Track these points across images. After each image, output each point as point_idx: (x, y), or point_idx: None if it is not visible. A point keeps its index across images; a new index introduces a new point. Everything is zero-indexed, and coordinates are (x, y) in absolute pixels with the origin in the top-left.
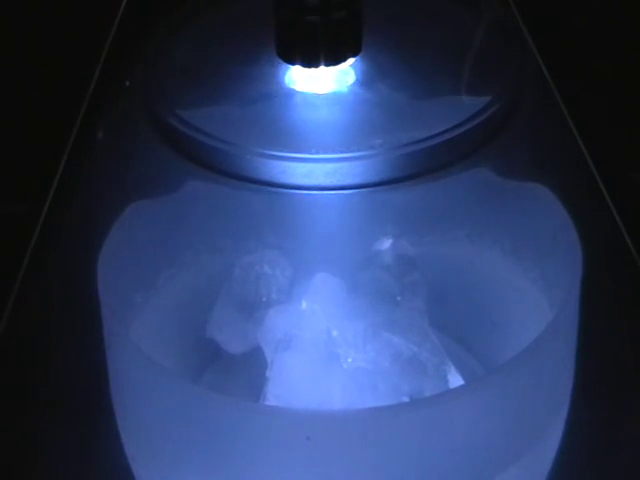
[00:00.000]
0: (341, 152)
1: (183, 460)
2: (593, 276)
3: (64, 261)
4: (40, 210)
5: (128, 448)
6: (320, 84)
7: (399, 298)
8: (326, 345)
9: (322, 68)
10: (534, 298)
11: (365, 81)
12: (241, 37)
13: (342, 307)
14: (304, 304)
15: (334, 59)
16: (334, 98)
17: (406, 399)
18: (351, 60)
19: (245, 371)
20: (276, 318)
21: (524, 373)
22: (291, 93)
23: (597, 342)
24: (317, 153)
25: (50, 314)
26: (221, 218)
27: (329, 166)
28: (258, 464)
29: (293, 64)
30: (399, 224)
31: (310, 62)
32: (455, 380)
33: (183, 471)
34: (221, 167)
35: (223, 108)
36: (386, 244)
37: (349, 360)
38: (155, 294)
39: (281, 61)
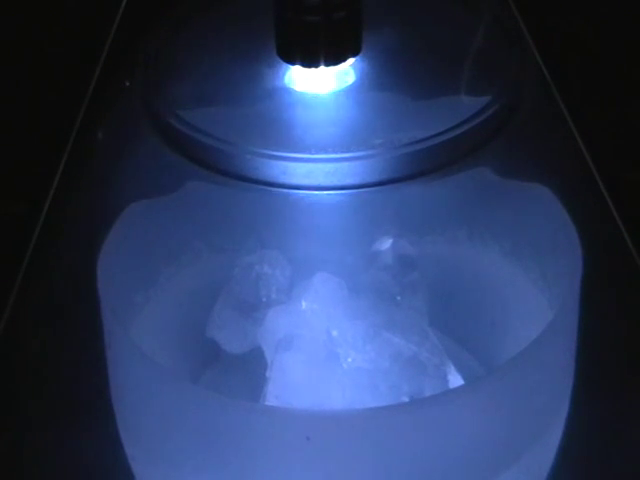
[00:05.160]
0: (341, 152)
1: (183, 460)
2: (593, 276)
3: (64, 261)
4: (40, 210)
5: (128, 448)
6: (320, 84)
7: (399, 298)
8: (326, 345)
9: (322, 68)
10: (534, 298)
11: (365, 81)
12: (241, 37)
13: (342, 307)
14: (304, 304)
15: (334, 59)
16: (334, 98)
17: (406, 399)
18: (351, 60)
19: (245, 371)
20: (276, 318)
21: (524, 373)
22: (291, 93)
23: (597, 342)
24: (317, 153)
25: (50, 314)
26: (221, 218)
27: (329, 166)
28: (258, 464)
29: (293, 64)
30: (399, 224)
31: (310, 62)
32: (455, 380)
33: (183, 471)
34: (221, 167)
35: (223, 108)
36: (386, 244)
37: (349, 360)
38: (155, 294)
39: (281, 61)
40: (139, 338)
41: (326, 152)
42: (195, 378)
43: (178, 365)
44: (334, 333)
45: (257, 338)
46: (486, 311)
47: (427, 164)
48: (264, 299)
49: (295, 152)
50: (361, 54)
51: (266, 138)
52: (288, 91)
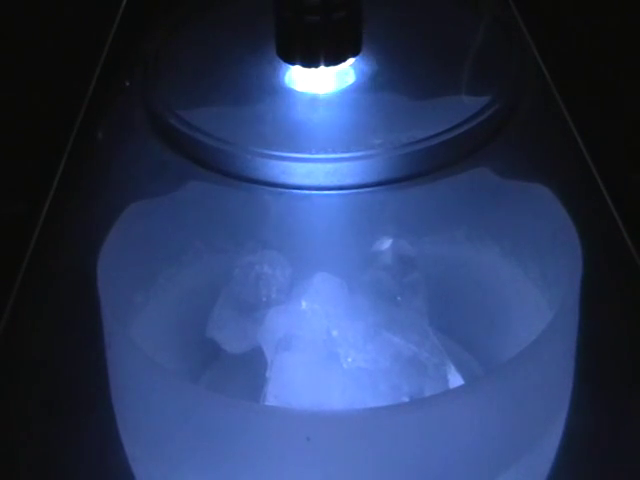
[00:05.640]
0: (341, 152)
1: (183, 460)
2: (593, 276)
3: (64, 261)
4: (40, 210)
5: (128, 448)
6: (320, 84)
7: (399, 298)
8: (326, 345)
9: (322, 68)
10: (534, 298)
11: (365, 81)
12: (241, 37)
13: (342, 307)
14: (304, 304)
15: (334, 59)
16: (334, 98)
17: (406, 399)
18: (351, 60)
19: (245, 371)
20: (276, 318)
21: (524, 373)
22: (291, 93)
23: (597, 342)
24: (317, 153)
25: (50, 314)
26: (221, 218)
27: (329, 166)
28: (258, 464)
29: (293, 64)
30: (399, 224)
31: (310, 62)
32: (455, 380)
33: (183, 471)
34: (221, 167)
35: (223, 108)
36: (386, 244)
37: (349, 360)
38: (155, 294)
39: (281, 61)
40: (139, 338)
41: (326, 152)
42: (195, 378)
43: (178, 365)
44: (334, 333)
45: (257, 338)
46: (486, 311)
47: (427, 164)
48: (264, 299)
49: (295, 152)
50: (361, 54)
51: (266, 138)
52: (288, 91)
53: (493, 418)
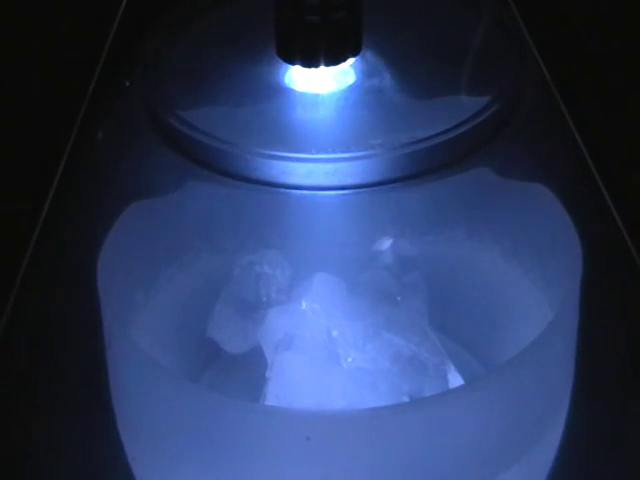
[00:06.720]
0: (341, 152)
1: (183, 460)
2: (593, 276)
3: (64, 261)
4: (40, 210)
5: (128, 448)
6: (320, 84)
7: (399, 298)
8: (326, 345)
9: (322, 68)
10: (534, 298)
11: (365, 81)
12: (241, 37)
13: (342, 307)
14: (304, 304)
15: (334, 59)
16: (334, 98)
17: (406, 399)
18: (351, 60)
19: (245, 371)
20: (276, 318)
21: (524, 373)
22: (291, 93)
23: (597, 342)
24: (317, 153)
25: (50, 314)
26: (221, 218)
27: (329, 166)
28: (258, 464)
29: (293, 64)
30: (399, 224)
31: (310, 62)
32: (455, 380)
33: (183, 471)
34: (221, 167)
35: (223, 108)
36: (386, 244)
37: (349, 360)
38: (155, 294)
39: (281, 61)
40: (139, 338)
41: (326, 152)
42: (195, 378)
43: (178, 365)
44: (334, 333)
45: (257, 338)
46: (486, 311)
47: (427, 164)
48: (264, 299)
49: (295, 152)
50: (361, 54)
51: (266, 138)
52: (288, 91)
53: (493, 418)
